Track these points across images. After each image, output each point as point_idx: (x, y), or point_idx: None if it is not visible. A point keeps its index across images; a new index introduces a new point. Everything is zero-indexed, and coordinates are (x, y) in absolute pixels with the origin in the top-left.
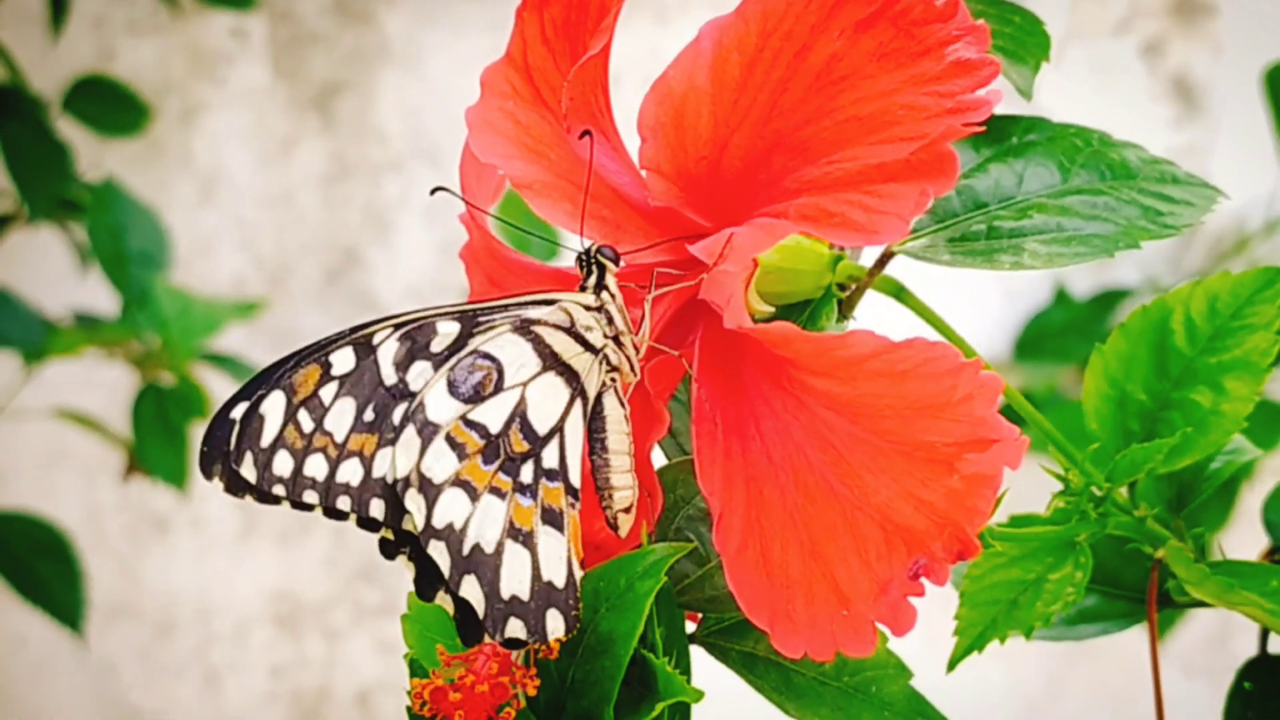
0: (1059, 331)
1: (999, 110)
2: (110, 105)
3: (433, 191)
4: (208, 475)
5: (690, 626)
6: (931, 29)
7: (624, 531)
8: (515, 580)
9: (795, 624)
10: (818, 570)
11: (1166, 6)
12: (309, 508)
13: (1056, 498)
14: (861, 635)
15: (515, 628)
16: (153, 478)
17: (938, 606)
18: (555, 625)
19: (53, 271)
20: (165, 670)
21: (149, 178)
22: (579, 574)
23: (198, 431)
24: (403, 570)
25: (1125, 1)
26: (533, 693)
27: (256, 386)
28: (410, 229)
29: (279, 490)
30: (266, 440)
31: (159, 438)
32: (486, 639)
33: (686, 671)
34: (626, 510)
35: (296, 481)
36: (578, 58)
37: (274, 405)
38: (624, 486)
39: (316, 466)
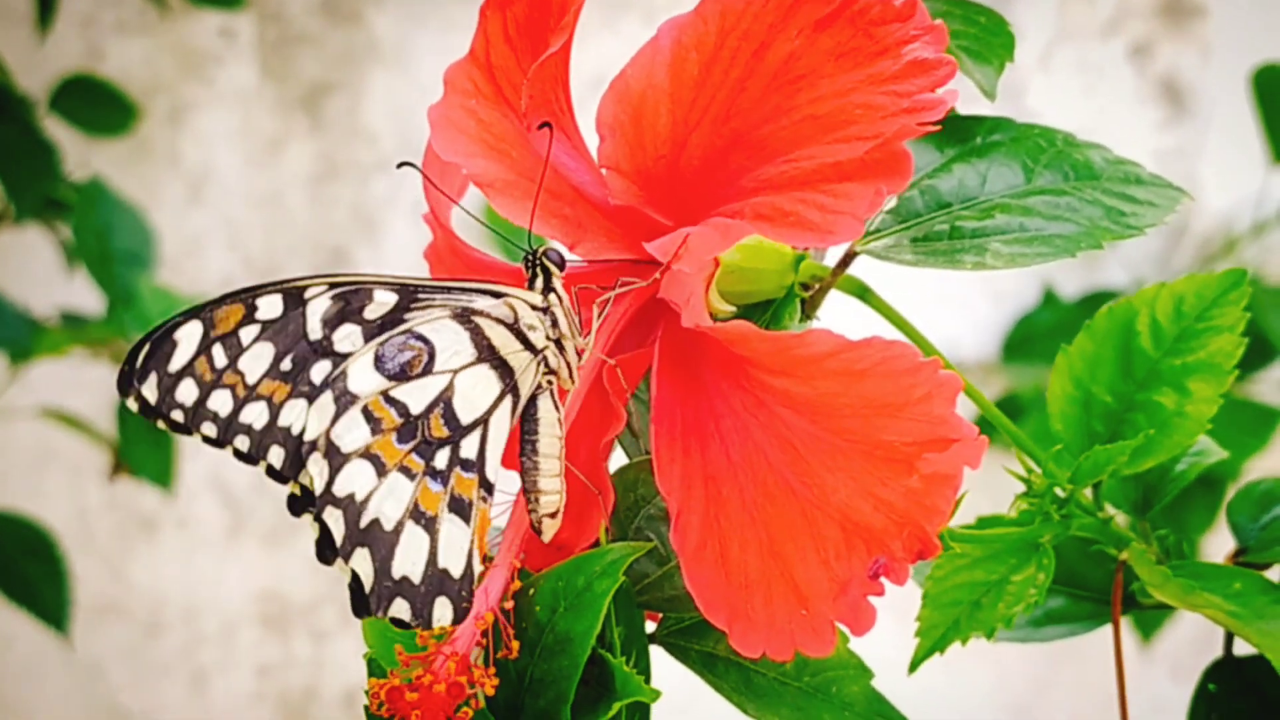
0: (1047, 333)
1: (965, 110)
2: (98, 105)
3: (400, 165)
4: (122, 393)
5: (651, 626)
6: (889, 29)
7: (547, 537)
8: (409, 562)
9: (754, 623)
10: (776, 570)
11: (1155, 8)
12: (206, 440)
13: (1020, 499)
14: (821, 635)
15: (400, 608)
16: (139, 478)
17: (912, 605)
18: (442, 613)
19: (39, 271)
20: (152, 670)
21: (137, 178)
22: (479, 568)
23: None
24: None
25: (1113, 3)
26: (491, 693)
27: (173, 318)
28: (398, 229)
29: (177, 416)
30: (175, 366)
31: (145, 438)
32: (375, 615)
33: (645, 671)
34: (552, 515)
35: (197, 412)
36: (538, 56)
37: (189, 333)
38: (551, 491)
39: (221, 402)
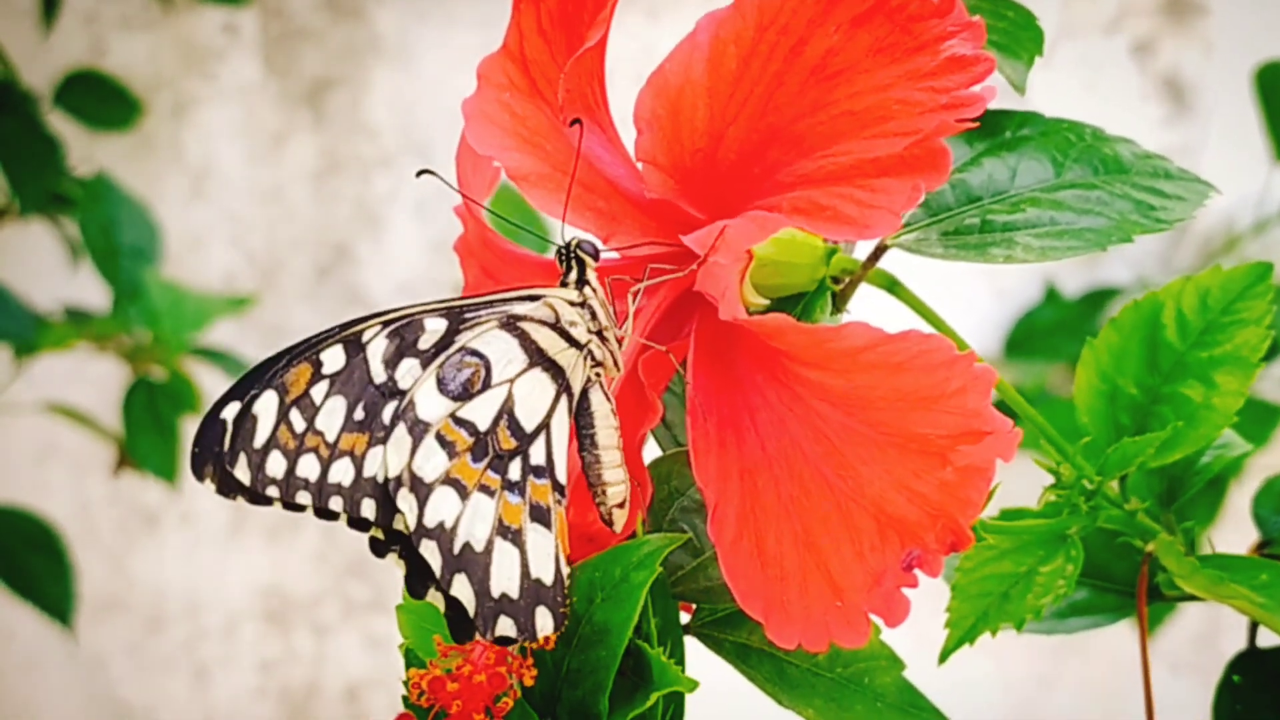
0: (1049, 330)
1: (993, 105)
2: (102, 100)
3: (419, 174)
4: (199, 476)
5: (685, 618)
6: (927, 25)
7: (618, 527)
8: (505, 578)
9: (789, 615)
10: (812, 561)
11: (1157, 5)
12: (301, 508)
13: (1048, 491)
14: (855, 626)
15: (505, 626)
16: (143, 472)
17: (927, 606)
18: (544, 622)
19: (43, 266)
20: (155, 665)
21: (140, 173)
22: (566, 570)
23: (188, 426)
24: (392, 566)
25: (1116, 1)
26: (529, 683)
27: (248, 386)
28: (401, 225)
29: (273, 492)
30: (260, 441)
31: (150, 432)
32: (483, 638)
33: (681, 662)
34: (620, 505)
35: (289, 482)
36: (574, 50)
37: (267, 405)
38: (617, 481)
39: (309, 467)
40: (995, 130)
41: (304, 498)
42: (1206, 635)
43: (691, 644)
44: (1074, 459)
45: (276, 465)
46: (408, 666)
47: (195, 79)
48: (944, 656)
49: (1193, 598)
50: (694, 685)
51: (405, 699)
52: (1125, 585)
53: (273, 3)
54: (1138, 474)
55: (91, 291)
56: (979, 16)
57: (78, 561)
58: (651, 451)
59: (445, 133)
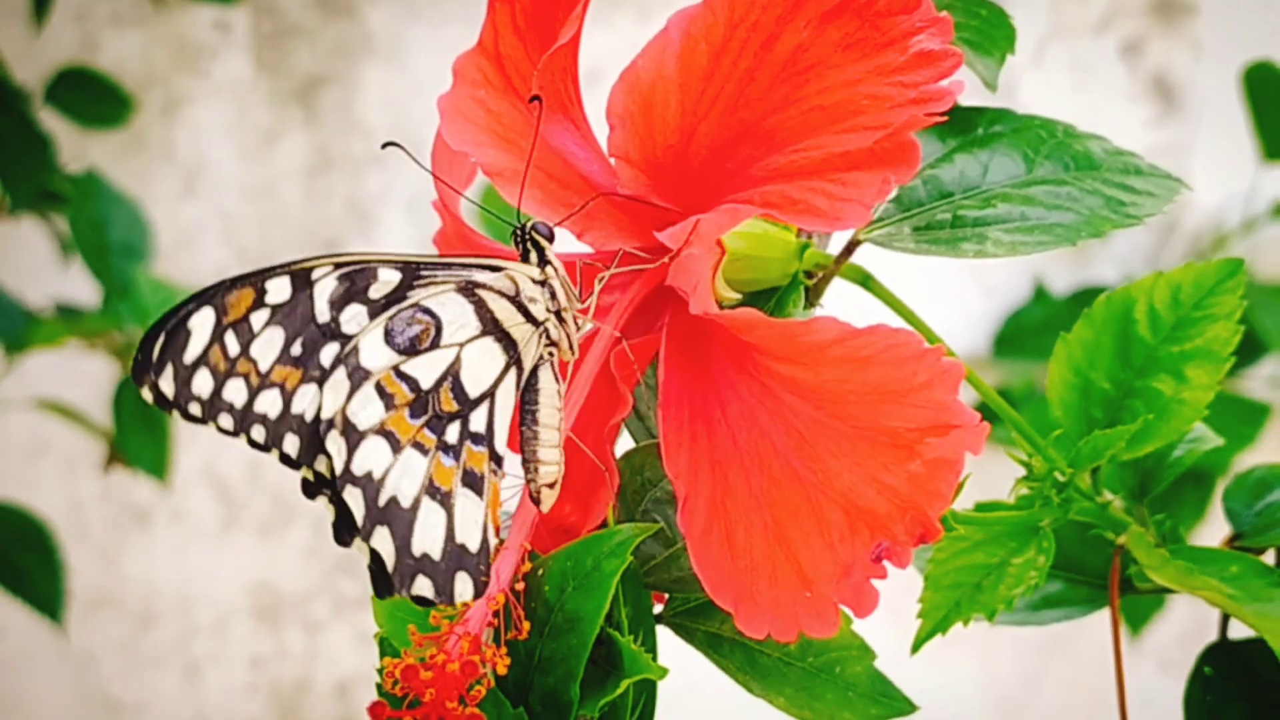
0: (1037, 328)
1: (966, 102)
2: (93, 97)
3: (384, 146)
4: (138, 383)
5: (657, 608)
6: (895, 20)
7: (545, 507)
8: (428, 538)
9: (759, 605)
10: (781, 552)
11: (1146, 6)
12: (224, 433)
13: (1020, 483)
14: (824, 616)
15: (423, 585)
16: (134, 469)
17: (906, 601)
18: (463, 588)
19: (34, 263)
20: (145, 662)
21: (131, 170)
22: (494, 541)
23: (179, 423)
24: None
25: (1105, 1)
26: (502, 671)
27: (185, 305)
28: (392, 222)
29: (195, 409)
30: (190, 357)
31: (140, 429)
32: (398, 594)
33: (652, 650)
34: (550, 485)
35: (214, 403)
36: (548, 47)
37: (202, 321)
38: (550, 461)
39: (235, 392)
40: (967, 127)
41: (226, 421)
42: (1195, 633)
43: (664, 633)
44: (1046, 451)
45: (203, 384)
46: (382, 655)
47: (187, 76)
48: (916, 646)
49: (1166, 590)
50: (663, 673)
51: (379, 686)
52: (1098, 578)
53: (264, 0)
54: (1110, 467)
55: (82, 288)
56: (946, 13)
57: (68, 558)
58: (625, 444)
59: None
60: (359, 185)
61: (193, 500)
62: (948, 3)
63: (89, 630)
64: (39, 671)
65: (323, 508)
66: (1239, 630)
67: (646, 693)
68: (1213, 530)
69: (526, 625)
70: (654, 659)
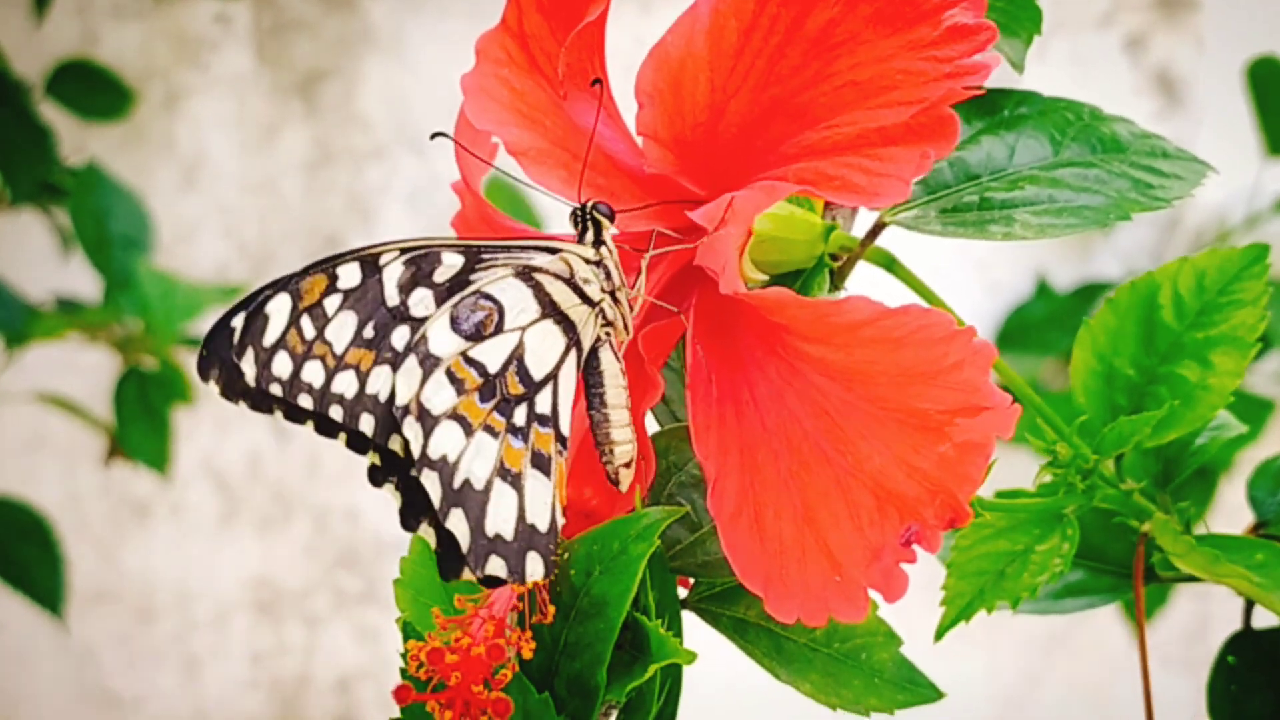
0: (1040, 324)
1: (991, 84)
2: (94, 90)
3: (433, 136)
4: (204, 377)
5: (682, 592)
6: None
7: (624, 486)
8: (501, 519)
9: (788, 589)
10: (811, 536)
11: (1149, 1)
12: (300, 414)
13: (1044, 470)
14: (854, 601)
15: (496, 565)
16: (134, 462)
17: (918, 596)
18: (535, 567)
19: (35, 255)
20: (145, 656)
21: (132, 163)
22: (561, 521)
23: (180, 415)
24: (383, 557)
25: None
26: (528, 655)
27: (261, 292)
28: (393, 216)
29: (276, 390)
30: (270, 340)
31: (141, 422)
32: (466, 574)
33: (678, 635)
34: (627, 465)
35: (294, 384)
36: (572, 25)
37: (279, 307)
38: (624, 441)
39: (313, 373)
40: (993, 109)
41: (306, 401)
42: (1197, 630)
43: (689, 618)
44: (1070, 438)
45: (283, 366)
46: (405, 639)
47: (187, 69)
48: (940, 633)
49: (1188, 578)
50: (692, 657)
51: (403, 670)
52: (1121, 566)
53: None
54: (1134, 455)
55: (83, 281)
56: None
57: (68, 552)
58: (651, 426)
59: (437, 123)
60: (359, 179)
61: (193, 494)
62: None
63: (88, 624)
64: (38, 666)
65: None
66: (1262, 619)
67: (672, 677)
68: (1216, 526)
69: (552, 609)
70: (680, 643)
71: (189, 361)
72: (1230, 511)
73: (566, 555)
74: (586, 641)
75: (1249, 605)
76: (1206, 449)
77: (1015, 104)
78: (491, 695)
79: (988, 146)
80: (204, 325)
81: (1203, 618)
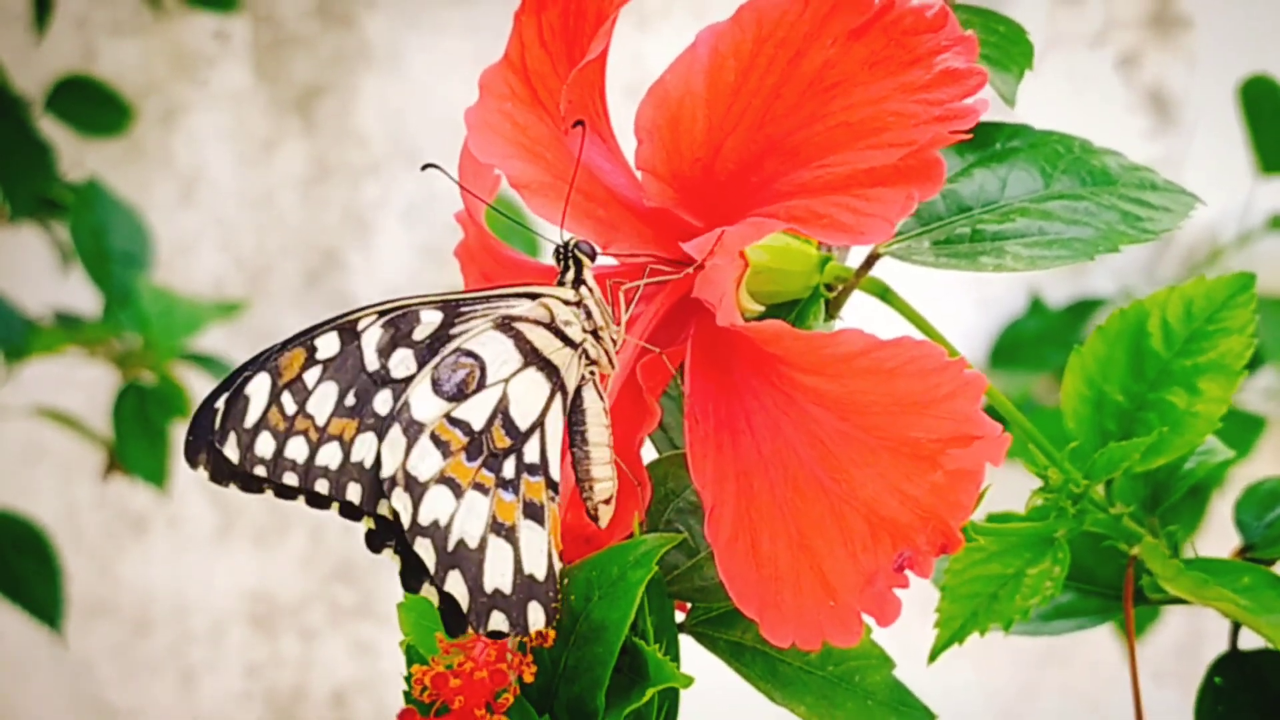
0: (1034, 340)
1: (984, 117)
2: (92, 105)
3: (424, 168)
4: (192, 463)
5: (680, 616)
6: (922, 39)
7: (604, 522)
8: (498, 574)
9: (783, 614)
10: (806, 562)
11: (1142, 19)
12: (289, 492)
13: (1035, 494)
14: (848, 625)
15: (498, 620)
16: (133, 477)
17: (912, 614)
18: (536, 617)
19: (34, 270)
20: (141, 669)
21: (130, 178)
22: (558, 566)
23: (179, 430)
24: (379, 571)
25: (1102, 13)
26: (529, 679)
27: (240, 373)
28: (390, 231)
29: (260, 471)
30: (250, 421)
31: (139, 437)
32: (477, 631)
33: (676, 659)
34: (607, 501)
35: (277, 463)
36: (575, 61)
37: (259, 387)
38: (604, 478)
39: (297, 449)
40: (986, 142)
41: (291, 478)
42: (1189, 645)
43: (686, 642)
44: (1061, 463)
45: (265, 446)
46: (409, 663)
47: (186, 85)
48: (934, 655)
49: (1176, 600)
50: (689, 681)
51: (407, 694)
52: (1110, 588)
53: (263, 9)
54: (1123, 479)
55: (82, 296)
56: (972, 31)
57: (66, 565)
58: (648, 454)
59: (434, 139)
60: (357, 194)
61: (189, 507)
62: (966, 19)
63: (85, 637)
64: (35, 678)
65: (381, 563)
66: (1248, 641)
67: (670, 701)
68: (1208, 542)
69: (552, 633)
70: (678, 667)
71: (188, 377)
72: (1224, 527)
73: (566, 581)
74: (586, 665)
75: (1235, 627)
76: (1194, 473)
77: (1008, 137)
78: (493, 718)
79: (980, 179)
80: (202, 341)
81: (1195, 633)
